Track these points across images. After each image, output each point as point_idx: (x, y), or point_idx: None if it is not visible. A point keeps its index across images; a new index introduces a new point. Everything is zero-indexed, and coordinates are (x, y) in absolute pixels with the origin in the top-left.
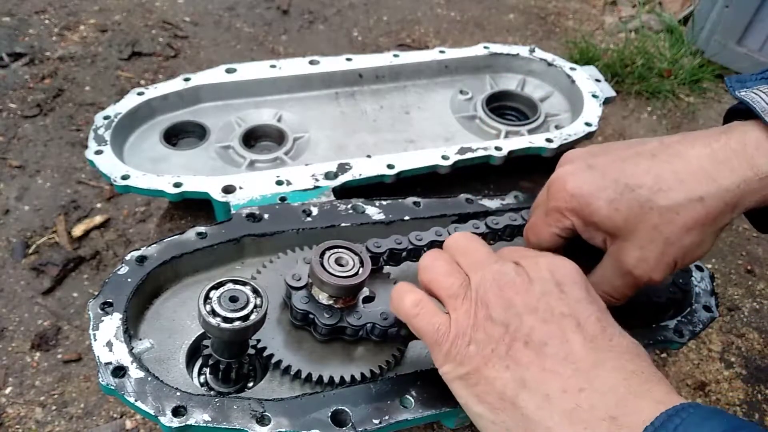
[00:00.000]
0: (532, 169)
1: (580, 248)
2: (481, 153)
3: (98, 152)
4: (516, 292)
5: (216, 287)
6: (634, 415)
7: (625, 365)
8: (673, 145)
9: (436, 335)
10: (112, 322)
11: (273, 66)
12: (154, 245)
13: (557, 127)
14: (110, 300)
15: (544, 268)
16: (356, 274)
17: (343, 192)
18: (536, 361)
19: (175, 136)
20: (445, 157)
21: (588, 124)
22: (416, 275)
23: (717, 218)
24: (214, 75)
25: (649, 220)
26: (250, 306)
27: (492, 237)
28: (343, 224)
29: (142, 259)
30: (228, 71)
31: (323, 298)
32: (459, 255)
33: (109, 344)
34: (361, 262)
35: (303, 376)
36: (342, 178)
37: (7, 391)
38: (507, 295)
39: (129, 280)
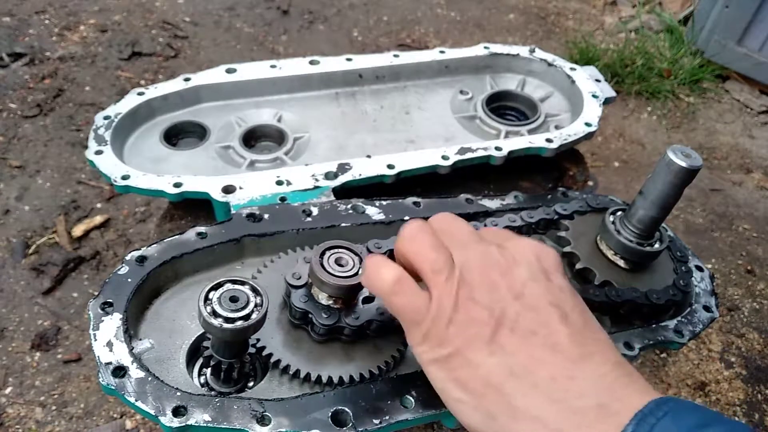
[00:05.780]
0: (532, 169)
1: None
2: (481, 153)
3: (98, 152)
4: (501, 274)
5: (215, 288)
6: (623, 402)
7: (610, 357)
8: None
9: (415, 314)
10: (113, 322)
11: (273, 66)
12: (154, 245)
13: (557, 127)
14: (110, 300)
15: (529, 252)
16: (356, 274)
17: (343, 192)
18: (523, 348)
19: (175, 136)
20: (445, 157)
21: (588, 125)
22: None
23: None
24: (214, 75)
25: None
26: (251, 305)
27: None
28: (343, 224)
29: (142, 259)
30: (228, 71)
31: (323, 298)
32: (443, 233)
33: (110, 344)
34: (361, 263)
35: (302, 375)
36: (342, 178)
37: (7, 391)
38: (491, 277)
39: (129, 280)
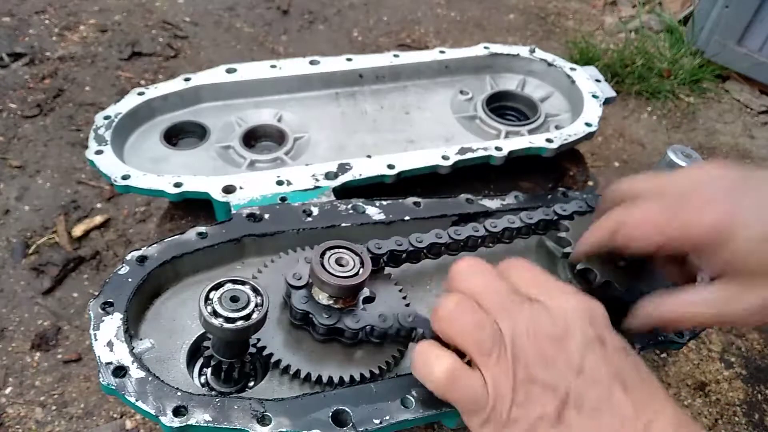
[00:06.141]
0: (532, 169)
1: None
2: (481, 153)
3: (98, 152)
4: (555, 344)
5: (216, 288)
6: None
7: (669, 414)
8: None
9: (474, 404)
10: (113, 322)
11: (273, 66)
12: (155, 245)
13: (557, 128)
14: (111, 300)
15: (579, 313)
16: (356, 274)
17: (344, 192)
18: (591, 427)
19: (175, 136)
20: (445, 157)
21: (588, 125)
22: (416, 275)
23: None
24: (215, 75)
25: None
26: (252, 305)
27: (491, 240)
28: (343, 224)
29: (142, 259)
30: (228, 71)
31: (323, 298)
32: (479, 297)
33: (110, 344)
34: (362, 263)
35: (302, 375)
36: (342, 178)
37: (7, 391)
38: (545, 349)
39: (130, 280)
